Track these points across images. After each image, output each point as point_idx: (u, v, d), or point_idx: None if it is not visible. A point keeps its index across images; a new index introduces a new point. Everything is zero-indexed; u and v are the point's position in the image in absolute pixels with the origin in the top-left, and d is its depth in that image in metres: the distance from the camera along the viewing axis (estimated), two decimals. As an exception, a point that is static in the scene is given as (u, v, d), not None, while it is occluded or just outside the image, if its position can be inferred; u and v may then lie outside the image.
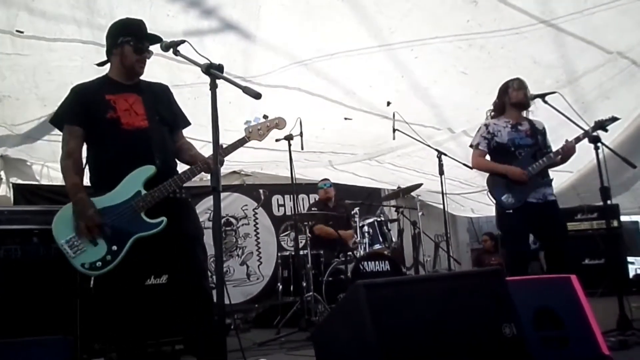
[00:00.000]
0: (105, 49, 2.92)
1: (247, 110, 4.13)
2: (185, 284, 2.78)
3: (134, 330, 2.77)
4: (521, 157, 3.82)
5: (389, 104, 4.49)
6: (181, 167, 2.94)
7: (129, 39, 2.77)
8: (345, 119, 5.35)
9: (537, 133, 3.91)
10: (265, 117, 2.98)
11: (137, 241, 2.60)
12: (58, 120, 2.81)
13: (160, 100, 2.92)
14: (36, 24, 3.59)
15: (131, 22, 2.86)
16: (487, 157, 4.00)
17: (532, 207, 3.74)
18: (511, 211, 3.75)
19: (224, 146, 2.82)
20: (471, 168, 4.33)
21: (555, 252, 3.79)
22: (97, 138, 2.76)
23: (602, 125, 3.68)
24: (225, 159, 2.85)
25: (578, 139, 3.74)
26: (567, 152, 3.76)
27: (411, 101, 4.83)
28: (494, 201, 3.86)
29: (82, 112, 2.73)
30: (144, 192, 2.65)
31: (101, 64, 2.90)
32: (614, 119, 3.69)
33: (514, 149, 3.85)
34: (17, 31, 3.58)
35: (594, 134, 3.65)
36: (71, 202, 2.64)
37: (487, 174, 3.98)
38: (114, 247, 2.57)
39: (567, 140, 3.77)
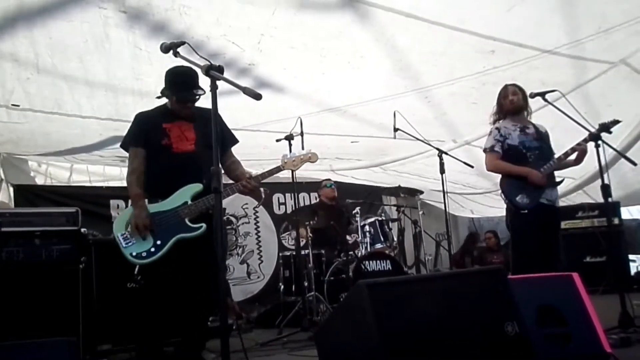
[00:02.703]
0: None
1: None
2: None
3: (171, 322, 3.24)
4: (532, 160, 3.87)
5: (396, 130, 4.53)
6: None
7: (169, 94, 3.24)
8: (352, 142, 5.49)
9: (542, 137, 3.97)
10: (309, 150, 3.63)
11: (181, 243, 3.11)
12: (125, 144, 3.38)
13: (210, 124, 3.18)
14: (32, 100, 3.66)
15: (177, 75, 3.19)
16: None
17: (543, 208, 3.82)
18: (526, 211, 3.79)
19: (259, 173, 3.46)
20: (472, 167, 4.34)
21: (551, 257, 3.83)
22: (153, 158, 3.28)
23: (606, 127, 3.67)
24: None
25: (586, 140, 3.73)
26: (581, 152, 3.79)
27: (421, 125, 4.89)
28: (508, 201, 3.88)
29: (142, 137, 3.29)
30: (189, 202, 3.18)
31: (159, 97, 3.36)
32: (615, 122, 3.68)
33: (525, 151, 3.90)
34: (13, 105, 3.64)
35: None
36: (132, 206, 3.21)
37: (498, 177, 4.00)
38: (158, 242, 3.11)
39: (580, 141, 3.77)
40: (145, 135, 3.29)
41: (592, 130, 3.66)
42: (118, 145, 4.84)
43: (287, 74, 3.99)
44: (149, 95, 3.82)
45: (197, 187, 3.20)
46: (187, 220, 3.16)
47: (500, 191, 3.98)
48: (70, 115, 3.93)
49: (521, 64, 4.13)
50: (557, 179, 3.97)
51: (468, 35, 3.70)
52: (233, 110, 3.96)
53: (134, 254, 3.08)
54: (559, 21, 3.72)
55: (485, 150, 4.03)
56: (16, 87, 3.48)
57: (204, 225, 3.15)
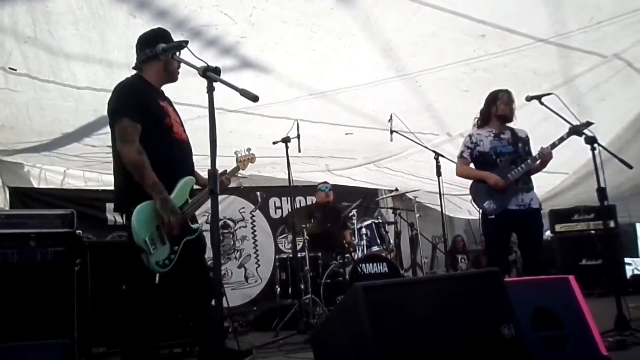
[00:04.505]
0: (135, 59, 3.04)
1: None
2: (200, 281, 3.02)
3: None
4: (501, 165, 3.96)
5: (392, 132, 4.54)
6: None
7: (175, 50, 2.81)
8: (346, 134, 5.48)
9: (519, 141, 4.05)
10: (248, 149, 3.64)
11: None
12: (118, 114, 2.78)
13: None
14: (29, 64, 3.61)
15: (168, 32, 2.97)
16: (472, 166, 4.15)
17: (513, 213, 3.89)
18: (493, 217, 3.90)
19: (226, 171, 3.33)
20: None
21: (531, 263, 3.91)
22: (150, 140, 2.77)
23: (577, 130, 3.72)
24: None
25: (554, 145, 3.84)
26: (545, 157, 3.86)
27: (413, 115, 4.90)
28: (477, 208, 4.01)
29: (142, 112, 2.78)
30: (190, 201, 2.90)
31: (136, 67, 3.02)
32: (588, 124, 3.73)
33: (495, 157, 4.01)
34: (10, 68, 3.59)
35: (588, 134, 3.67)
36: (152, 200, 2.68)
37: (471, 182, 4.12)
38: (175, 247, 2.76)
39: (542, 147, 3.87)
40: (142, 110, 2.80)
41: (563, 134, 3.73)
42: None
43: (279, 49, 3.93)
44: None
45: (192, 181, 2.96)
46: (188, 221, 2.90)
47: (471, 198, 4.10)
48: (66, 85, 3.89)
49: (513, 52, 4.12)
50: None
51: (458, 18, 3.68)
52: (229, 91, 3.93)
53: (160, 262, 2.68)
54: (550, 10, 3.72)
55: (457, 156, 4.21)
56: (14, 48, 3.42)
57: (199, 225, 2.96)
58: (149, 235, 2.63)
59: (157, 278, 2.81)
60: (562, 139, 3.79)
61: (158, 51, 2.71)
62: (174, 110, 3.07)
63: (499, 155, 3.99)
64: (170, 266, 2.72)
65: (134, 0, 3.25)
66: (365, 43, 3.92)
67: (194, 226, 2.93)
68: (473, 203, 4.05)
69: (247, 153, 3.61)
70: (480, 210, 3.98)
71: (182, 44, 2.64)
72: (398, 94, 4.63)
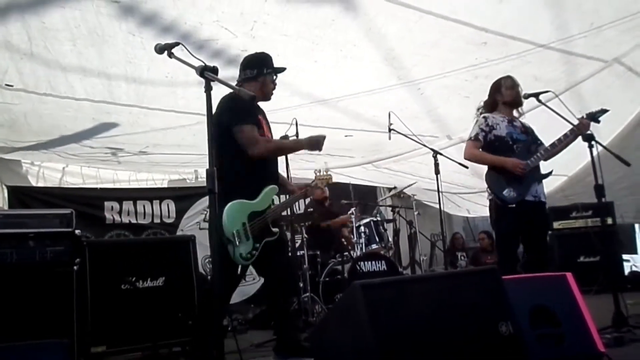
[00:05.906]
0: None
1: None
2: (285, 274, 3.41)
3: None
4: (518, 151, 3.81)
5: (390, 130, 4.52)
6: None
7: (271, 71, 3.36)
8: (346, 136, 5.49)
9: (528, 131, 3.95)
10: (326, 169, 4.01)
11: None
12: (237, 123, 3.17)
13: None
14: (26, 80, 3.64)
15: (269, 57, 3.40)
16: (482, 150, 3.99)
17: (528, 204, 3.75)
18: (514, 205, 3.72)
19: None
20: (466, 167, 4.32)
21: (534, 260, 3.80)
22: None
23: (593, 117, 3.69)
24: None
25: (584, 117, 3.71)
26: (585, 128, 3.67)
27: (415, 120, 4.90)
28: (494, 196, 3.81)
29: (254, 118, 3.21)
30: (272, 206, 3.27)
31: (241, 85, 3.32)
32: (603, 111, 3.68)
33: (511, 142, 3.85)
34: (7, 85, 3.60)
35: (589, 132, 3.66)
36: (241, 199, 3.13)
37: (484, 174, 3.94)
38: (257, 244, 3.14)
39: (580, 118, 3.71)
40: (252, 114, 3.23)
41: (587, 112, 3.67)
42: (110, 134, 4.82)
43: (280, 61, 3.95)
44: (142, 78, 3.80)
45: (275, 190, 3.29)
46: (270, 225, 3.21)
47: (486, 186, 3.90)
48: (64, 97, 3.90)
49: (515, 58, 4.13)
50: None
51: (460, 26, 3.69)
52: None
53: (244, 254, 3.06)
54: (551, 16, 3.74)
55: (469, 139, 3.98)
56: (10, 66, 3.44)
57: (278, 230, 3.28)
58: (237, 229, 3.05)
59: (239, 269, 3.21)
60: (590, 116, 3.70)
61: (156, 51, 2.70)
62: (267, 123, 3.40)
63: (515, 142, 3.83)
64: (253, 260, 3.10)
65: (134, 19, 3.28)
66: (367, 52, 3.93)
67: (274, 229, 3.25)
68: (488, 191, 3.87)
69: (325, 173, 3.85)
70: (496, 200, 3.78)
71: (282, 69, 3.25)
72: (400, 102, 4.64)
